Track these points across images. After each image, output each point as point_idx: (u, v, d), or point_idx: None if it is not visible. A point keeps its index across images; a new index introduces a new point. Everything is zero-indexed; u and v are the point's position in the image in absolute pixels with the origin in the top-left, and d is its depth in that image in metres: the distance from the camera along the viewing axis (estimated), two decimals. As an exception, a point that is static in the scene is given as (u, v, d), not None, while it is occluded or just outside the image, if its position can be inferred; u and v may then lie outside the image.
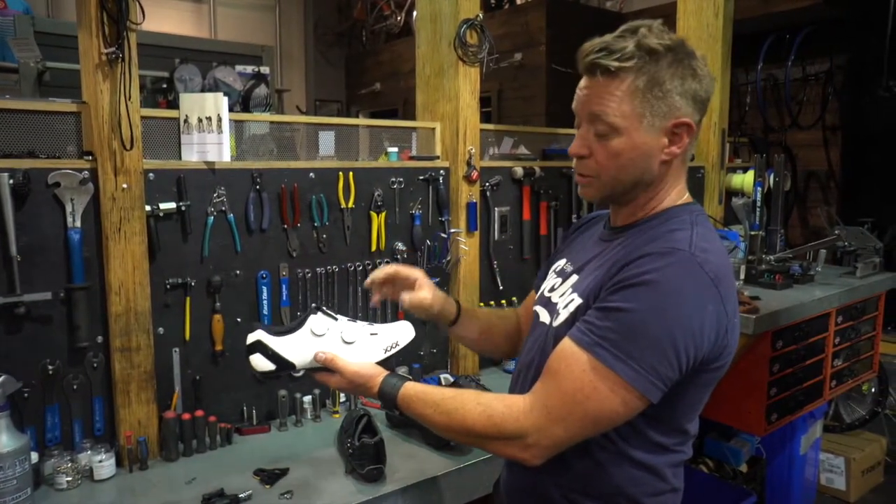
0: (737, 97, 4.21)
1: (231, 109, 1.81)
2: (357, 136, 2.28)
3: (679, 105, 1.05)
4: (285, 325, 1.51)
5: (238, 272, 1.80)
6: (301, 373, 1.43)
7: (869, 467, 3.37)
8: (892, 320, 3.49)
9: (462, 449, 1.68)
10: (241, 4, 6.47)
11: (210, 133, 1.71)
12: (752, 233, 2.99)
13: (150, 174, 1.62)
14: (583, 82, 1.10)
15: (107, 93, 1.50)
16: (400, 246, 2.12)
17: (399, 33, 6.52)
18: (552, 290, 1.22)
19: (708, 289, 0.99)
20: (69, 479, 1.49)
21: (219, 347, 1.77)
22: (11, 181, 1.43)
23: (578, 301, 1.09)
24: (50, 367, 1.53)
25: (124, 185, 1.54)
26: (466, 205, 2.24)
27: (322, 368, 1.22)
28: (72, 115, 1.57)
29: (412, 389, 1.15)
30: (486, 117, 4.77)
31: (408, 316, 1.46)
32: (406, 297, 1.34)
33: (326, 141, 2.22)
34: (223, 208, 1.75)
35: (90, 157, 1.53)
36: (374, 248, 2.06)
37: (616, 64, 1.03)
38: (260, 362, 1.22)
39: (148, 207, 1.61)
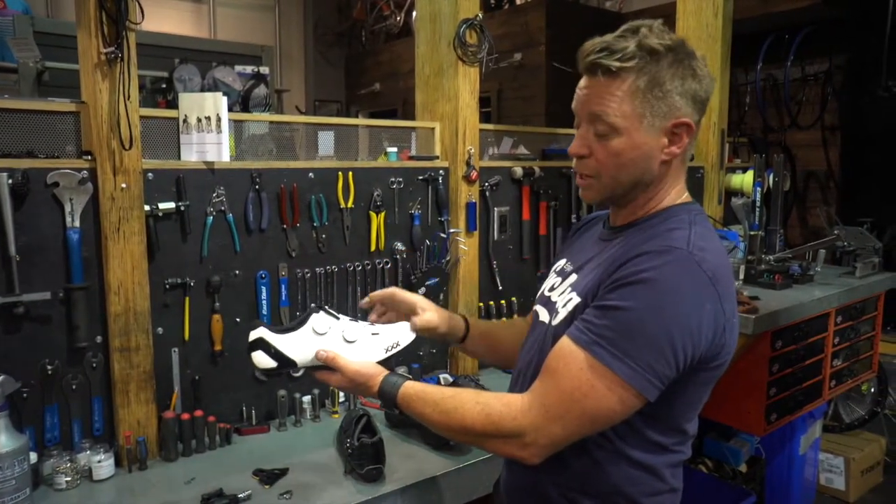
0: (736, 97, 4.21)
1: (230, 109, 1.82)
2: (356, 136, 2.28)
3: (679, 105, 1.05)
4: (287, 323, 1.50)
5: (237, 272, 1.80)
6: (301, 371, 1.43)
7: (868, 467, 3.37)
8: (891, 320, 3.49)
9: (461, 449, 1.68)
10: (240, 4, 6.46)
11: (209, 133, 1.71)
12: (752, 233, 2.99)
13: (150, 174, 1.62)
14: (583, 82, 1.10)
15: (106, 93, 1.50)
16: (399, 246, 2.12)
17: (398, 33, 6.52)
18: (552, 289, 1.22)
19: (705, 287, 0.99)
20: (68, 479, 1.48)
21: (218, 347, 1.77)
22: (10, 181, 1.43)
23: (577, 300, 1.10)
24: (49, 367, 1.53)
25: (123, 185, 1.54)
26: (466, 205, 2.24)
27: (323, 367, 1.22)
28: (71, 114, 1.56)
29: (412, 388, 1.15)
30: (485, 117, 4.75)
31: None
32: (416, 321, 1.34)
33: (326, 141, 2.22)
34: (222, 208, 1.75)
35: (89, 157, 1.53)
36: (373, 248, 2.06)
37: (617, 64, 1.03)
38: (261, 359, 1.22)
39: (147, 207, 1.61)
